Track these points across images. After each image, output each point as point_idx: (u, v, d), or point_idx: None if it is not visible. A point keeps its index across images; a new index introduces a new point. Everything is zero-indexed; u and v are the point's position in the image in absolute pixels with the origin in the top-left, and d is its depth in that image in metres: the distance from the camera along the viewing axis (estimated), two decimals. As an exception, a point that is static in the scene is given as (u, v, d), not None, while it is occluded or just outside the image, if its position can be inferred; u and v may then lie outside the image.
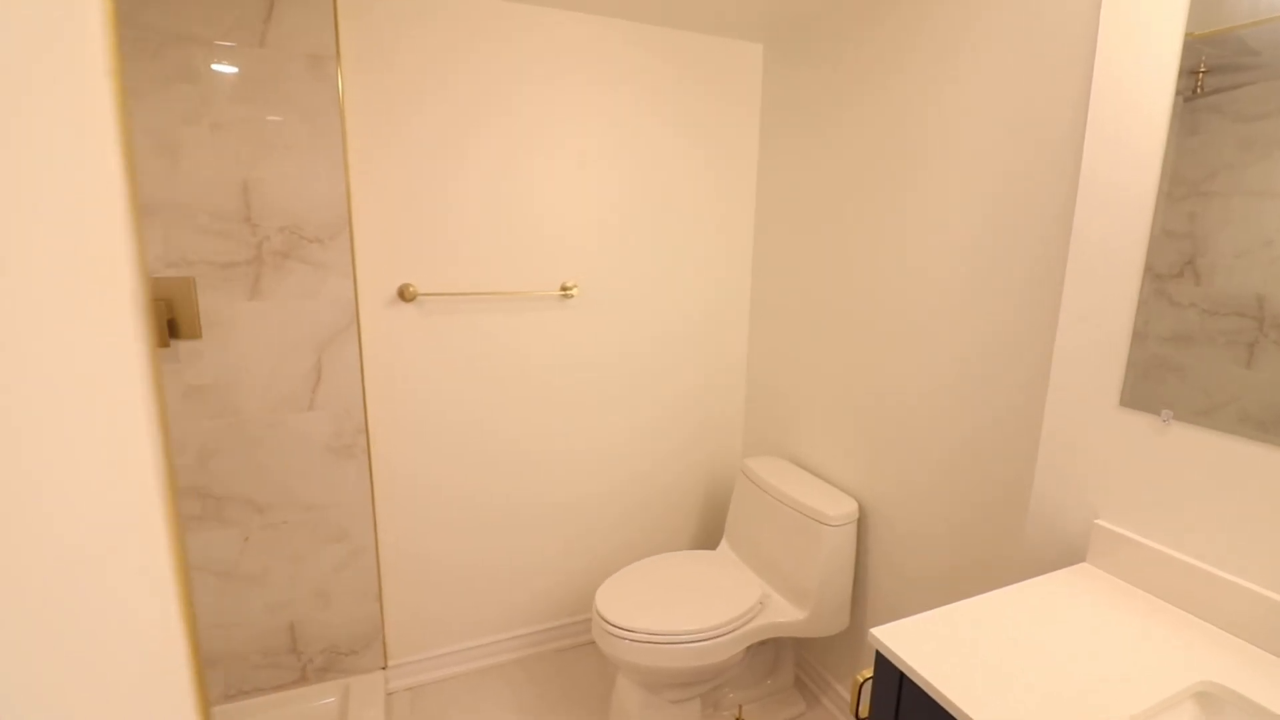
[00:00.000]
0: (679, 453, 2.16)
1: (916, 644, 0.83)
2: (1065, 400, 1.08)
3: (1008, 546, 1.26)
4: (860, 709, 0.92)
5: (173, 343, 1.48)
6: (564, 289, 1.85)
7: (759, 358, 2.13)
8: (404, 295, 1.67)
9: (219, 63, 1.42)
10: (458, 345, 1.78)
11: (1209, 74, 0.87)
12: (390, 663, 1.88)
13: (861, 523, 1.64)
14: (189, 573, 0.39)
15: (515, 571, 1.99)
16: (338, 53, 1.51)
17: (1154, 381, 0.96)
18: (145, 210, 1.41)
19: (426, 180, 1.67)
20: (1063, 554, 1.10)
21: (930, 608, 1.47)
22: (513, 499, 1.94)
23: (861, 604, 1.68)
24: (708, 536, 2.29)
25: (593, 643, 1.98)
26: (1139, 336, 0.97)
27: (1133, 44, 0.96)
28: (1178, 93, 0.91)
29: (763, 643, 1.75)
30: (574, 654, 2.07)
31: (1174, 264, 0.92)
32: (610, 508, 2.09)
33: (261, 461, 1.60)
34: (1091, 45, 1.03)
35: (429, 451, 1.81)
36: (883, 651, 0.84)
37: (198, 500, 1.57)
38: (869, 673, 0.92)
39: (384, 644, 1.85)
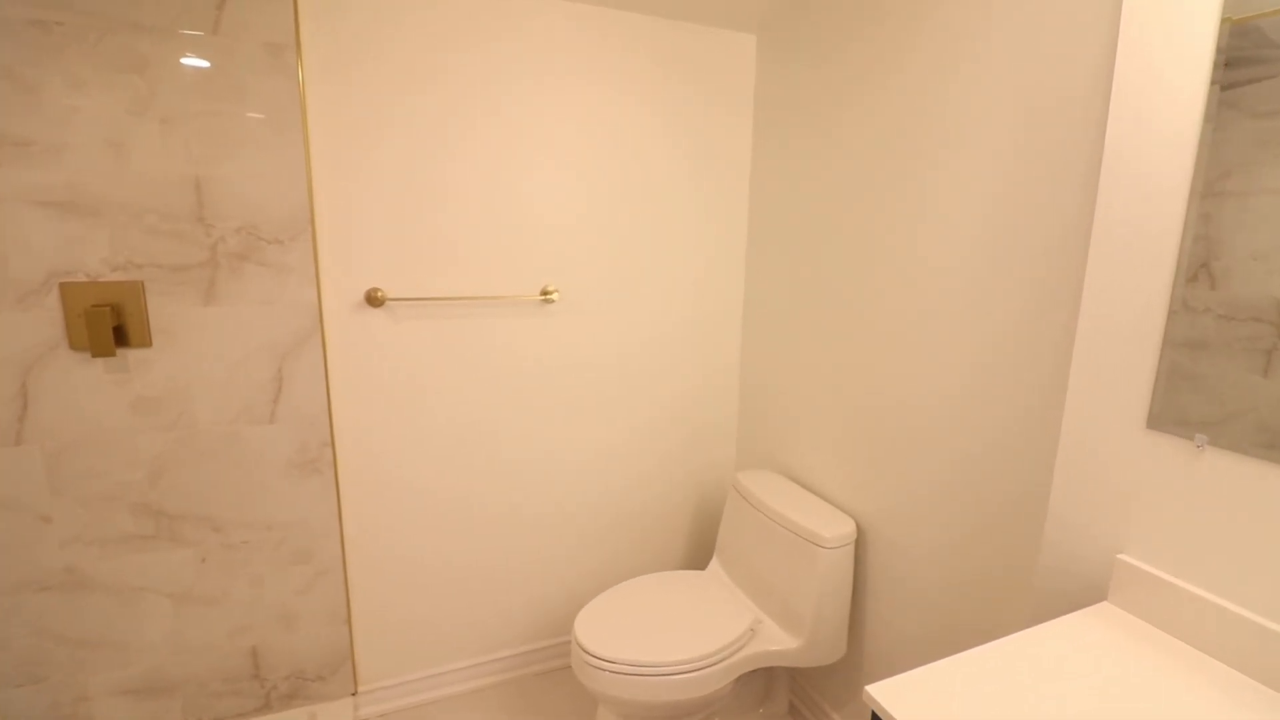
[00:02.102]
0: (668, 464, 2.06)
1: (919, 704, 0.73)
2: (1084, 421, 0.98)
3: (1019, 571, 1.15)
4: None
5: (120, 351, 1.38)
6: (544, 293, 1.74)
7: (753, 364, 2.02)
8: (372, 300, 1.57)
9: (168, 52, 1.32)
10: (430, 353, 1.68)
11: (1226, 67, 0.80)
12: (361, 688, 1.78)
13: (860, 544, 1.54)
14: None
15: (493, 590, 1.89)
16: (298, 41, 1.41)
17: (1184, 399, 0.85)
18: (89, 209, 1.32)
19: (396, 178, 1.56)
20: (1081, 590, 0.99)
21: (934, 636, 1.38)
22: (490, 514, 1.84)
23: (859, 630, 1.57)
24: (698, 552, 2.18)
25: (576, 666, 1.88)
26: (1169, 349, 0.87)
27: (1163, 28, 0.86)
28: (1213, 82, 0.81)
29: (755, 669, 1.65)
30: (554, 678, 1.96)
31: (1189, 267, 0.85)
32: (595, 522, 1.99)
33: (218, 477, 1.50)
34: (1114, 32, 0.93)
35: (400, 466, 1.71)
36: (881, 715, 0.73)
37: (150, 519, 1.47)
38: (864, 729, 0.82)
39: (354, 669, 1.75)
